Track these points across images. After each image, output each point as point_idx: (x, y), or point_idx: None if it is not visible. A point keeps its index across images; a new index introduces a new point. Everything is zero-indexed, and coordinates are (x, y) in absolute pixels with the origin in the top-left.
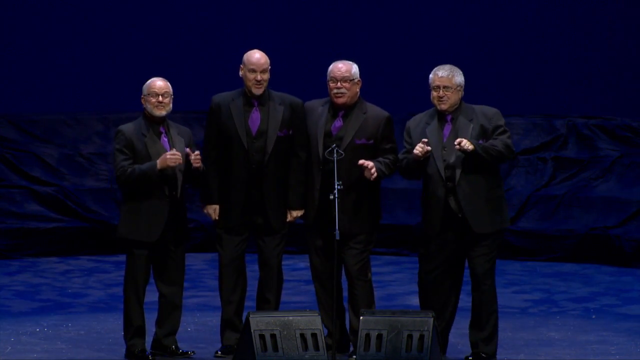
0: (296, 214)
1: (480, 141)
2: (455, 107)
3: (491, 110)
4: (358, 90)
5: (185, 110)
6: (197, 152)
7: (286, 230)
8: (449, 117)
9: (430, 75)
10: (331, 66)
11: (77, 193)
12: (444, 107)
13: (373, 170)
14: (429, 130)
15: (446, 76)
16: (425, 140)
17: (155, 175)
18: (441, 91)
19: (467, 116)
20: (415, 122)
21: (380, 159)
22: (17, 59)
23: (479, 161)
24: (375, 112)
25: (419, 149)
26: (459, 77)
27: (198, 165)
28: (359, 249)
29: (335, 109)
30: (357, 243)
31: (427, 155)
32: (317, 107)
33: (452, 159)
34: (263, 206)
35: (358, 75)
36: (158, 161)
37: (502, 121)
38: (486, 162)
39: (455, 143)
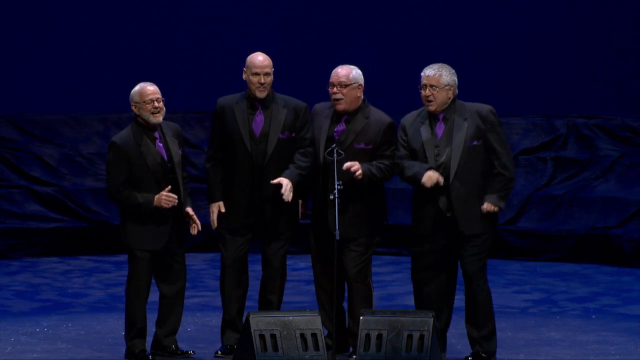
0: (286, 182)
1: (475, 142)
2: (445, 106)
3: (484, 109)
4: (359, 94)
5: (185, 110)
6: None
7: (290, 232)
8: (440, 116)
9: (421, 74)
10: (333, 71)
11: (77, 193)
12: (431, 108)
13: (358, 172)
14: (423, 129)
15: (433, 75)
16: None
17: (149, 211)
18: (428, 90)
19: (461, 115)
20: (409, 120)
21: (374, 162)
22: (17, 59)
23: (473, 162)
24: (377, 117)
25: (432, 179)
26: (447, 77)
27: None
28: (358, 251)
29: (339, 113)
30: (357, 246)
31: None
32: (324, 110)
33: (444, 158)
34: (264, 208)
35: (359, 80)
36: (155, 199)
37: (495, 119)
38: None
39: (483, 209)
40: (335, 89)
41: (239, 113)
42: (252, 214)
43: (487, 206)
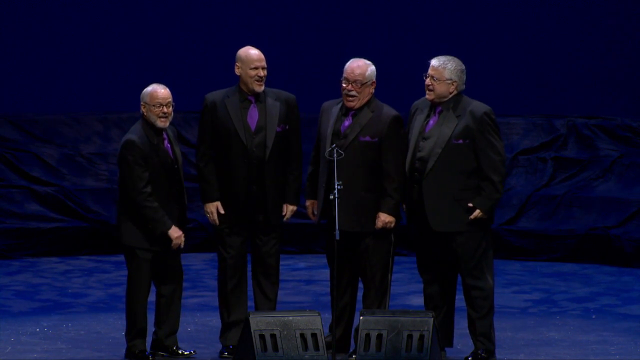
0: (292, 208)
1: (460, 141)
2: (445, 99)
3: (479, 110)
4: (372, 91)
5: (185, 110)
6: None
7: (281, 227)
8: (438, 109)
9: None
10: (347, 63)
11: (77, 193)
12: (429, 97)
13: (388, 222)
14: (417, 117)
15: (437, 66)
16: None
17: (158, 233)
18: (429, 79)
19: (456, 112)
20: (415, 105)
21: (385, 190)
22: (17, 59)
23: (453, 160)
24: (384, 110)
25: None
26: (451, 71)
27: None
28: (381, 248)
29: (347, 108)
30: (374, 243)
31: None
32: (332, 106)
33: (425, 152)
34: (264, 202)
35: (373, 77)
36: (171, 231)
37: (488, 122)
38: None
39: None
40: (350, 86)
41: (231, 107)
42: (249, 208)
43: (475, 213)
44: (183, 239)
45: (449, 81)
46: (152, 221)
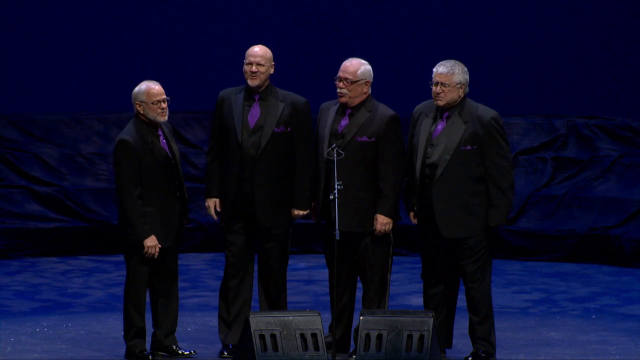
0: (298, 212)
1: (469, 147)
2: (454, 104)
3: (487, 115)
4: (365, 90)
5: (186, 110)
6: None
7: (282, 230)
8: (445, 115)
9: (433, 69)
10: (342, 64)
11: (77, 193)
12: (440, 103)
13: (385, 227)
14: (424, 123)
15: (445, 73)
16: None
17: (134, 239)
18: (439, 87)
19: (463, 117)
20: (418, 110)
21: (381, 189)
22: (17, 59)
23: (462, 166)
24: (381, 110)
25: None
26: (459, 75)
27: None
28: (379, 247)
29: (344, 108)
30: (374, 242)
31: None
32: (330, 107)
33: (434, 158)
34: (252, 201)
35: (367, 77)
36: (147, 240)
37: (496, 127)
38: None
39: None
40: (341, 83)
41: (235, 104)
42: (243, 208)
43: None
44: (158, 249)
45: (458, 85)
46: (132, 226)
